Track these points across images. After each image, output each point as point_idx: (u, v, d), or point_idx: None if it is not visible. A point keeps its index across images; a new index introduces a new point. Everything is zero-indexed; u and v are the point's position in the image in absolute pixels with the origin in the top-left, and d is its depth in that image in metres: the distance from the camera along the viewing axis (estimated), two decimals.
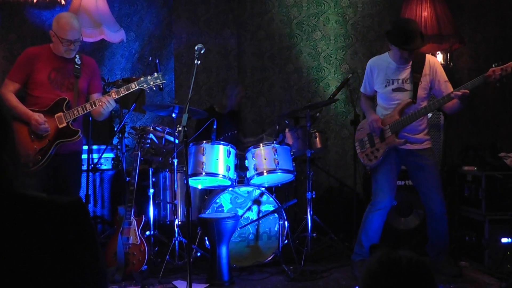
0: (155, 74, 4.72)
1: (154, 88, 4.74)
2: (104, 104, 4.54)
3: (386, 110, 4.76)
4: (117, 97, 4.62)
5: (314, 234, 5.32)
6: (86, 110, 4.54)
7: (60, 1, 6.41)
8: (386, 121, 4.73)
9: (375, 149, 4.79)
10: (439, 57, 6.17)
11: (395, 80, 4.68)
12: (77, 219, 1.36)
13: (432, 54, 6.07)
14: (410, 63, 4.66)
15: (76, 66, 4.62)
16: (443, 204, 4.70)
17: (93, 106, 4.54)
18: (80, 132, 4.58)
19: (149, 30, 6.94)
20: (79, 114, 4.54)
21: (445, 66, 6.07)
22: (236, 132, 6.08)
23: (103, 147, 5.91)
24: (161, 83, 4.75)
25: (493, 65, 4.37)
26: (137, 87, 4.66)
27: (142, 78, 4.71)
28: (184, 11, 6.77)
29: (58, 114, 4.50)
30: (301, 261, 4.91)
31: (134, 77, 6.19)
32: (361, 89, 5.00)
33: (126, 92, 4.65)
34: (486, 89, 6.85)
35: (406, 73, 4.66)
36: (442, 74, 4.67)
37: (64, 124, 4.50)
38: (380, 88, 4.77)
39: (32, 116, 4.42)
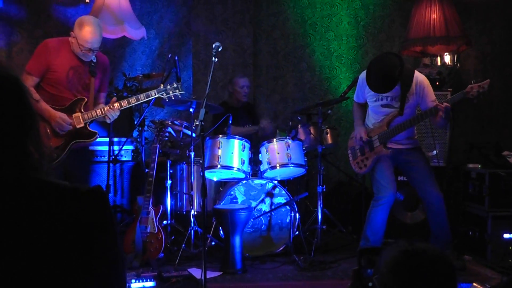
0: (175, 84, 4.71)
1: (173, 98, 4.71)
2: (117, 109, 4.56)
3: (375, 119, 4.88)
4: (136, 102, 4.63)
5: (324, 226, 5.33)
6: (104, 112, 4.53)
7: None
8: (375, 131, 4.85)
9: (365, 158, 4.91)
10: (447, 58, 6.16)
11: (384, 96, 4.73)
12: (98, 207, 1.39)
13: (440, 55, 6.11)
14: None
15: (92, 64, 4.58)
16: (440, 195, 4.69)
17: (110, 108, 4.53)
18: (97, 134, 4.59)
19: (169, 28, 6.98)
20: (97, 116, 4.53)
21: (452, 67, 6.10)
22: (251, 125, 6.04)
23: (123, 139, 5.95)
24: (180, 94, 4.71)
25: (472, 82, 4.39)
26: (157, 95, 4.66)
27: (162, 86, 4.69)
28: (203, 10, 6.80)
29: (76, 114, 4.49)
30: (311, 252, 4.97)
31: (154, 72, 6.22)
32: (354, 97, 5.07)
33: (145, 99, 4.65)
34: (490, 90, 6.98)
35: (395, 91, 4.66)
36: (429, 93, 4.66)
37: (82, 125, 4.50)
38: (370, 102, 4.86)
39: (56, 114, 4.41)
